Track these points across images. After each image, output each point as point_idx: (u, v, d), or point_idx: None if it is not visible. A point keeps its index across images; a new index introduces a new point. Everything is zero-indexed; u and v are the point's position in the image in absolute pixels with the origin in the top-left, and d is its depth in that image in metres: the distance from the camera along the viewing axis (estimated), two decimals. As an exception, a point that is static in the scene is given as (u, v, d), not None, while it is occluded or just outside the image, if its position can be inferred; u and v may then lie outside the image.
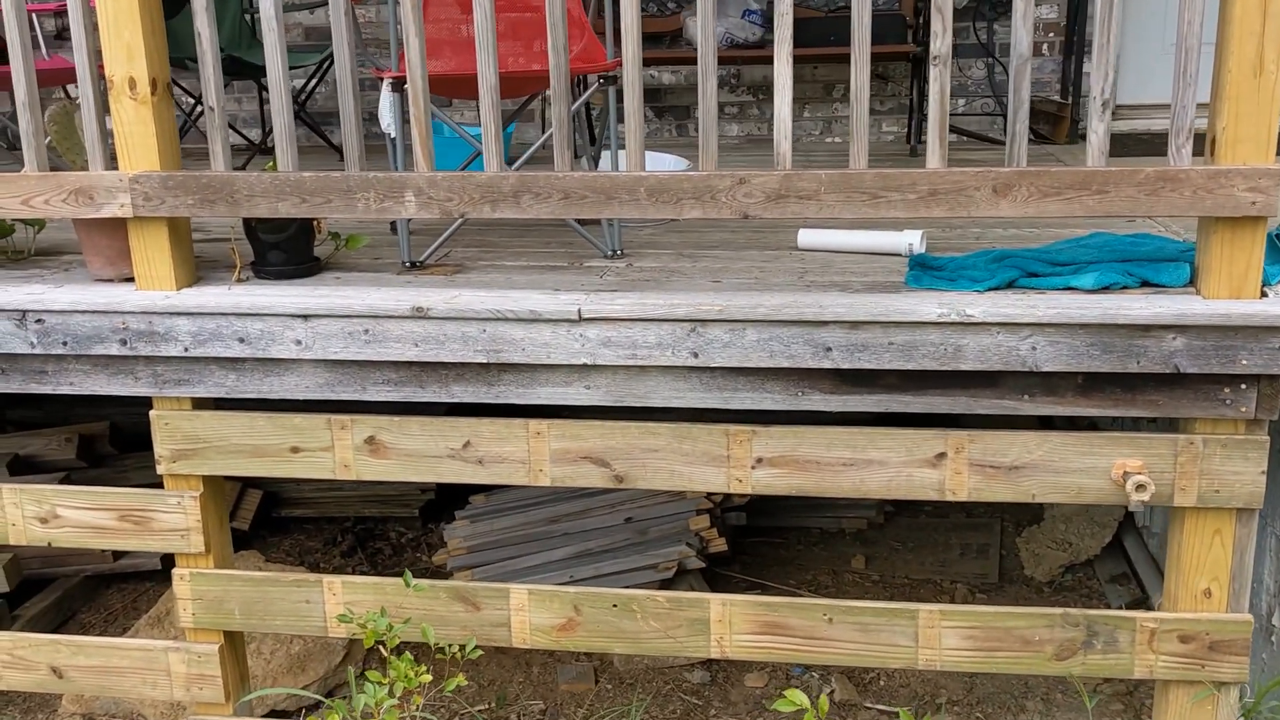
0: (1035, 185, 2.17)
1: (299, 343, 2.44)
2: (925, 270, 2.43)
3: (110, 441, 4.33)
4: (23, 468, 4.12)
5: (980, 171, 2.18)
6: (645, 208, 2.30)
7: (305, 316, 2.42)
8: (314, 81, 4.74)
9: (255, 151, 4.62)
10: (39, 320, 2.51)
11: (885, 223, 2.88)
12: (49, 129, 2.57)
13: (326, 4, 4.65)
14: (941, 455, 2.35)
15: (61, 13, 4.12)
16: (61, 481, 3.93)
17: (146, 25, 2.36)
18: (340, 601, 2.64)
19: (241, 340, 2.45)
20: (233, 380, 2.53)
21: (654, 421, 2.46)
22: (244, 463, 2.60)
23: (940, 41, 2.19)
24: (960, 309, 2.22)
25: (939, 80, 2.20)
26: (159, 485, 2.77)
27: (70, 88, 4.33)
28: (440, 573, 3.65)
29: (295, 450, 2.57)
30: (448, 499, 4.20)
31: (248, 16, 4.67)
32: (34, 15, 4.05)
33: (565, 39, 2.29)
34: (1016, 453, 2.33)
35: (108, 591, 4.07)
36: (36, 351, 2.54)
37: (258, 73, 4.45)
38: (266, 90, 4.91)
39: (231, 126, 4.20)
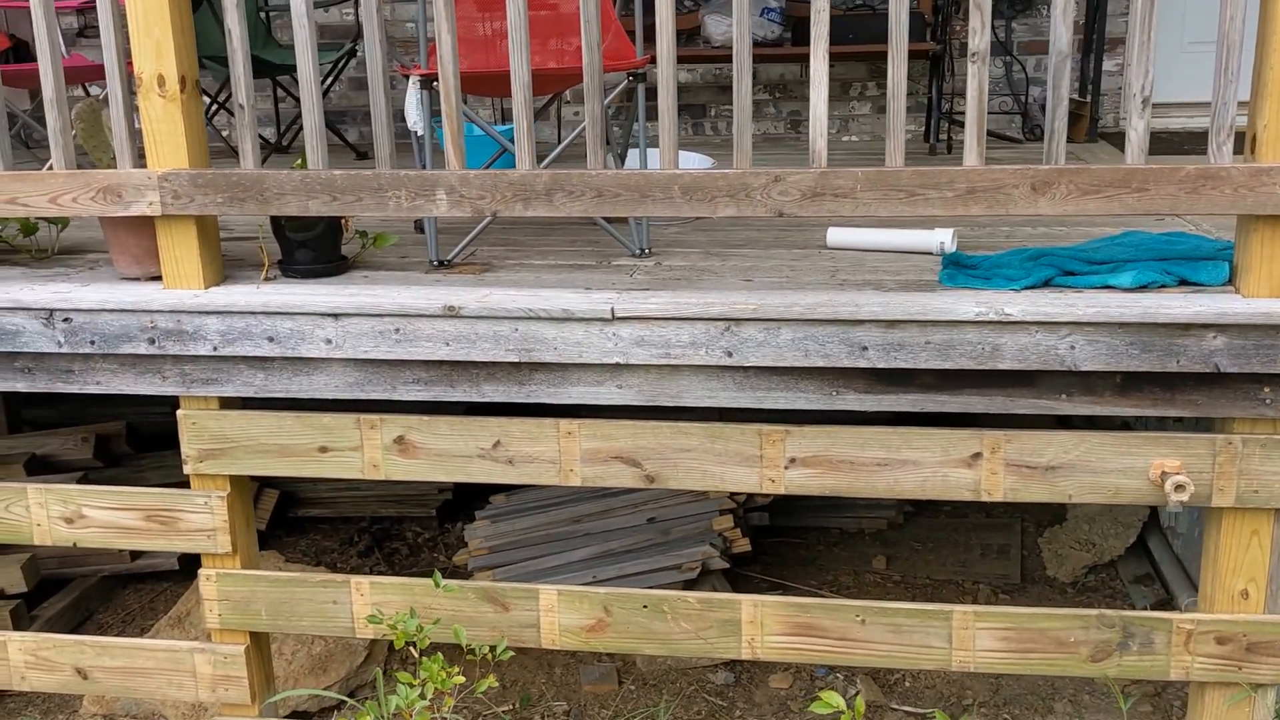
0: (1074, 183, 2.15)
1: (329, 342, 2.42)
2: (959, 269, 2.41)
3: (126, 441, 4.31)
4: (40, 467, 4.10)
5: (1019, 169, 2.16)
6: (679, 206, 2.28)
7: (335, 315, 2.40)
8: (329, 80, 4.72)
9: (272, 150, 4.60)
10: (66, 319, 2.50)
11: (914, 221, 2.86)
12: (75, 126, 2.55)
13: (343, 1, 4.64)
14: (977, 455, 2.33)
15: (84, 10, 4.10)
16: (79, 481, 3.91)
17: (176, 23, 2.35)
18: (368, 602, 2.62)
19: (271, 339, 2.44)
20: (261, 379, 2.51)
21: (680, 421, 2.45)
22: (272, 462, 2.58)
23: (979, 39, 2.17)
24: (998, 308, 2.20)
25: (977, 78, 2.19)
26: (176, 485, 2.76)
27: (90, 86, 4.32)
28: (460, 573, 3.64)
29: (324, 450, 2.55)
30: (465, 499, 4.19)
31: (263, 14, 4.65)
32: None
33: (600, 36, 2.27)
34: (1053, 453, 2.31)
35: (125, 592, 4.05)
36: (64, 350, 2.52)
37: (273, 71, 4.43)
38: (282, 89, 4.90)
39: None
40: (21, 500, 2.70)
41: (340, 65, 4.64)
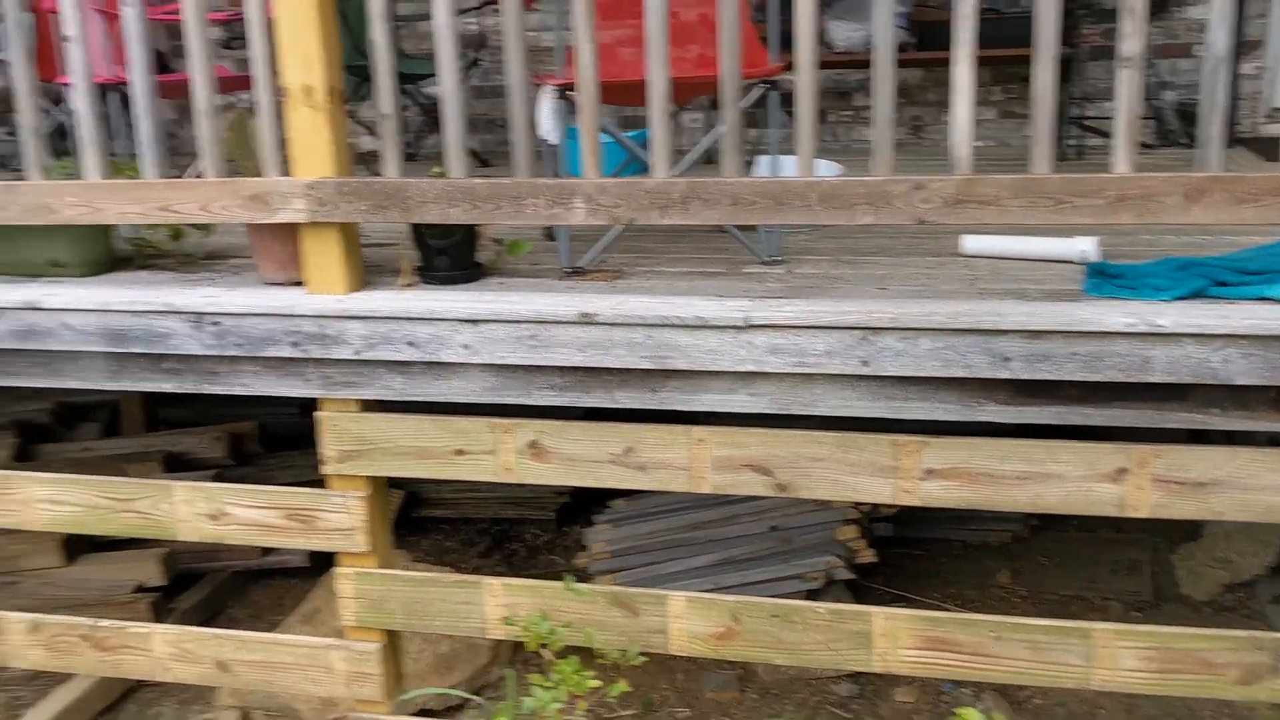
0: (1230, 191, 2.08)
1: (467, 347, 2.46)
2: (1105, 278, 2.35)
3: (258, 441, 4.45)
4: (176, 465, 4.25)
5: (1171, 177, 2.10)
6: (817, 214, 2.26)
7: (474, 321, 2.44)
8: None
9: (411, 159, 4.69)
10: (215, 323, 2.58)
11: (1055, 229, 2.80)
12: (226, 136, 2.64)
13: (478, 10, 4.72)
14: (1123, 470, 2.27)
15: (229, 21, 4.24)
16: (214, 479, 4.04)
17: (322, 36, 2.41)
18: (500, 603, 2.66)
19: (411, 344, 2.49)
20: (401, 383, 2.56)
21: (809, 429, 2.43)
22: (409, 464, 2.64)
23: (1131, 43, 2.11)
24: (1149, 319, 2.14)
25: (1129, 83, 2.13)
26: (304, 484, 2.83)
27: (228, 95, 4.46)
28: (580, 576, 3.66)
29: (459, 453, 2.59)
30: (583, 502, 4.22)
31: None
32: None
33: (738, 44, 2.27)
34: (1203, 469, 2.24)
35: (254, 587, 4.18)
36: (211, 353, 2.61)
37: (399, 80, 4.52)
38: (406, 96, 5.01)
39: (370, 131, 4.29)
40: (169, 498, 2.80)
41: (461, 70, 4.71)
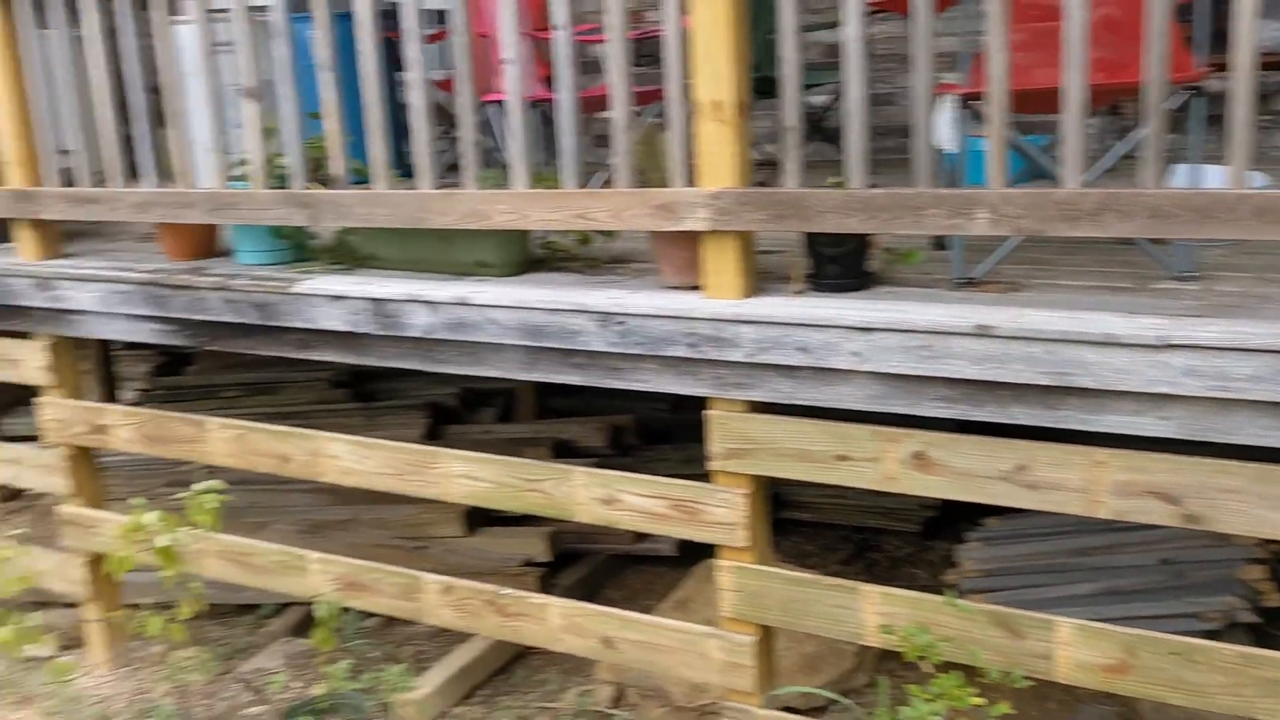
0: None
1: (856, 355, 2.50)
2: None
3: (634, 434, 4.70)
4: (562, 451, 4.58)
5: None
6: (1249, 228, 2.11)
7: (865, 329, 2.47)
8: (833, 98, 4.85)
9: (773, 167, 4.81)
10: (620, 322, 2.77)
11: None
12: (636, 149, 2.82)
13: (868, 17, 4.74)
14: None
15: (635, 40, 4.52)
16: (595, 465, 4.31)
17: (734, 53, 2.53)
18: (876, 611, 2.67)
19: (801, 349, 2.56)
20: (789, 387, 2.64)
21: (1219, 458, 2.27)
22: (790, 466, 2.71)
23: None
24: None
25: None
26: (678, 477, 2.96)
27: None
28: (946, 591, 3.60)
29: (841, 458, 2.63)
30: (950, 517, 4.14)
31: (773, 37, 4.86)
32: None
33: (1166, 49, 2.16)
34: None
35: (626, 572, 4.43)
36: (615, 350, 2.80)
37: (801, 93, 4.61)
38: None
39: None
40: (569, 481, 3.03)
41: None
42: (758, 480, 2.80)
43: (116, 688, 3.91)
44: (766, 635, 2.90)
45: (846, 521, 4.43)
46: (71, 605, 4.17)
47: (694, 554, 4.05)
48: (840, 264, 2.71)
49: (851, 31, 2.43)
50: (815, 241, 2.71)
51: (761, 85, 4.57)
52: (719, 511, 2.82)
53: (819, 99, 4.77)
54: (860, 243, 2.69)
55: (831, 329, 2.52)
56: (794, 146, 2.56)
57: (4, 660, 4.11)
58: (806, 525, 4.55)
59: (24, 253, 3.70)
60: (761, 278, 2.87)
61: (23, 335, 3.82)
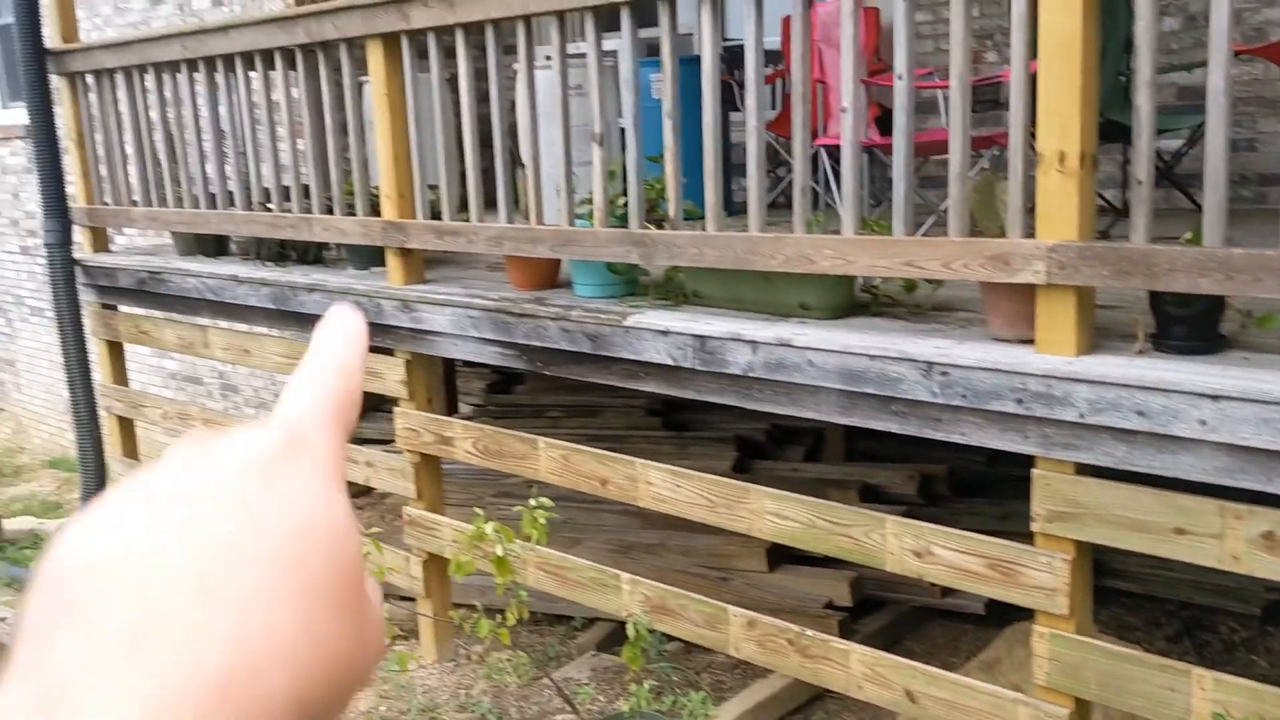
0: None
1: (1203, 423, 2.35)
2: None
3: (946, 484, 4.59)
4: (869, 495, 4.55)
5: None
6: None
7: (1214, 397, 2.32)
8: (1187, 144, 4.56)
9: (1116, 215, 4.58)
10: (944, 373, 2.73)
11: None
12: (971, 198, 2.79)
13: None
14: None
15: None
16: (904, 514, 4.25)
17: (1083, 104, 2.45)
18: (1209, 698, 2.49)
19: (1140, 413, 2.43)
20: (1123, 451, 2.51)
21: None
22: (1120, 535, 2.58)
23: None
24: None
25: None
26: (989, 533, 2.87)
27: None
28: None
29: (1179, 532, 2.48)
30: (1298, 604, 3.78)
31: (1122, 77, 4.64)
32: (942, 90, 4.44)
33: None
34: None
35: (930, 625, 4.33)
36: (936, 400, 2.77)
37: (1125, 135, 4.39)
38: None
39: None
40: (880, 529, 3.01)
41: (1198, 128, 4.46)
42: (1082, 546, 2.68)
43: (441, 680, 4.24)
44: (1081, 709, 2.76)
45: (1174, 596, 4.13)
46: (407, 599, 4.56)
47: (1002, 613, 3.91)
48: (1188, 324, 2.55)
49: (1218, 81, 2.30)
50: (1161, 299, 2.57)
51: (1107, 129, 4.39)
52: (1039, 575, 2.72)
53: (1170, 143, 4.51)
54: (1212, 303, 2.53)
55: (1176, 394, 2.38)
56: (1143, 200, 2.45)
57: (348, 642, 4.55)
58: (1128, 596, 4.27)
59: (392, 277, 4.12)
60: (1099, 334, 2.75)
61: (385, 351, 4.24)
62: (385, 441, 5.43)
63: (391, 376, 4.22)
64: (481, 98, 3.76)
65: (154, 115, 5.07)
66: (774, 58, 5.77)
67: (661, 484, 3.49)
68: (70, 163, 5.48)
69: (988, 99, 4.50)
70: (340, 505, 0.33)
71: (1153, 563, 4.11)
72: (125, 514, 0.31)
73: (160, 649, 0.28)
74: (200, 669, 0.28)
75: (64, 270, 5.35)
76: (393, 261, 4.09)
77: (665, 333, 3.26)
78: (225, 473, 0.32)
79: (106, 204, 5.43)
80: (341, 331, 0.39)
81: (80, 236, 5.60)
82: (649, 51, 5.48)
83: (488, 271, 4.30)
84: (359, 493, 6.02)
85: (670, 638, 3.87)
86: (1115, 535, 2.58)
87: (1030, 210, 2.59)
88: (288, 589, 0.30)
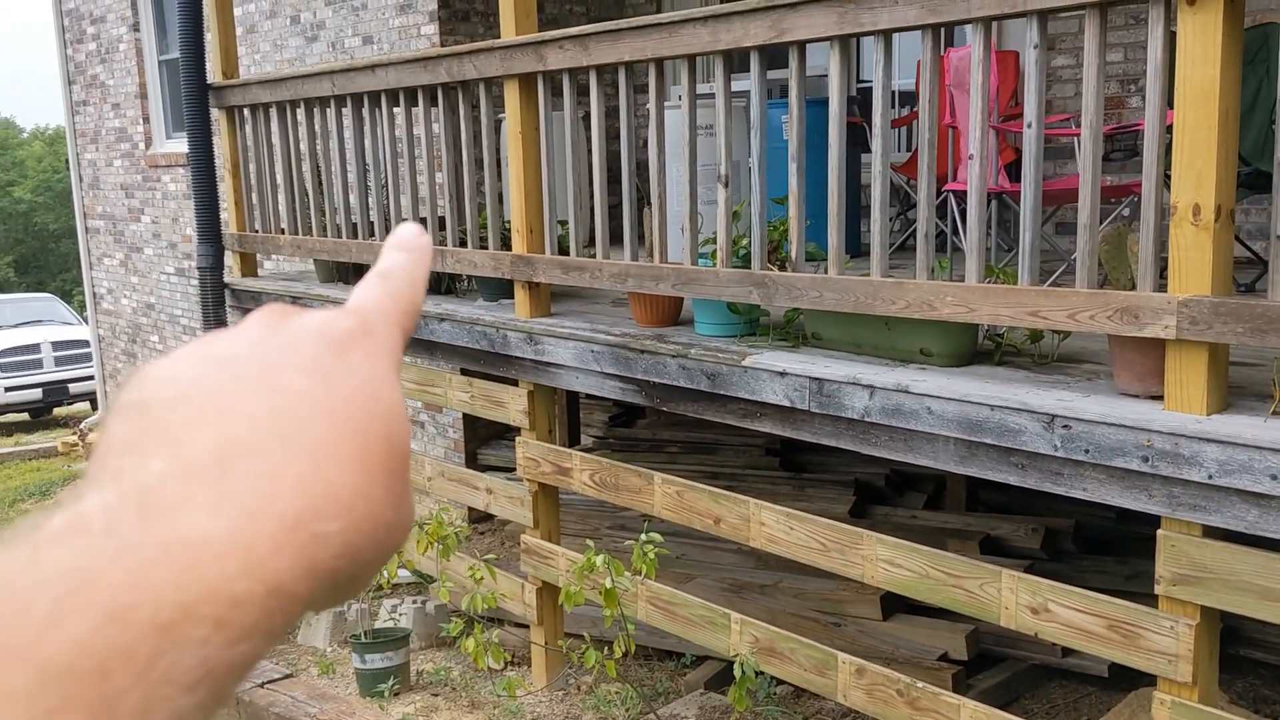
0: None
1: (1342, 490, 2.24)
2: None
3: (1072, 539, 4.46)
4: (990, 548, 4.44)
5: None
6: None
7: (1355, 464, 2.22)
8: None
9: (1264, 268, 4.40)
10: (1066, 426, 2.67)
11: None
12: (1100, 249, 2.73)
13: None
14: None
15: (1108, 135, 4.38)
16: (1027, 570, 4.14)
17: (1220, 156, 2.38)
18: (1344, 783, 2.36)
19: (1273, 477, 2.34)
20: (1254, 516, 2.41)
21: None
22: (1249, 602, 2.47)
23: None
24: None
25: None
26: (1114, 593, 2.77)
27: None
28: None
29: (1314, 603, 2.36)
30: None
31: (1275, 126, 4.48)
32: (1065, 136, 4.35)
33: None
34: None
35: (1049, 684, 4.19)
36: (1058, 454, 2.71)
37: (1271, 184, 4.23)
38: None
39: (1237, 239, 4.06)
40: (995, 582, 2.95)
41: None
42: (1209, 612, 2.58)
43: (550, 709, 4.29)
44: (1207, 784, 2.64)
45: (1316, 671, 3.91)
46: (521, 626, 4.64)
47: (1126, 677, 3.77)
48: (1330, 387, 2.45)
49: (1364, 136, 2.21)
50: (1301, 360, 2.47)
51: (1256, 179, 4.24)
52: (1161, 640, 2.62)
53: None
54: (1357, 366, 2.42)
55: (1313, 458, 2.28)
56: (1282, 257, 2.36)
57: (462, 667, 4.64)
58: (1266, 667, 4.07)
59: (519, 310, 4.22)
60: (1232, 393, 2.66)
61: (509, 381, 4.34)
62: (506, 469, 5.54)
63: (514, 406, 4.32)
64: (612, 136, 3.85)
65: (303, 147, 5.32)
66: (909, 99, 5.74)
67: (774, 525, 3.49)
68: (225, 191, 5.79)
69: (1128, 146, 4.39)
70: (398, 392, 0.36)
71: (1292, 634, 3.92)
72: (211, 357, 0.34)
73: (243, 478, 0.31)
74: (276, 502, 0.31)
75: (214, 292, 5.64)
76: (520, 294, 4.20)
77: (783, 374, 3.27)
78: (303, 338, 0.35)
79: (256, 231, 5.71)
80: (414, 247, 0.42)
81: (231, 260, 5.89)
82: (780, 92, 5.52)
83: (611, 307, 4.37)
84: (479, 518, 6.16)
85: (779, 681, 3.84)
86: (1244, 603, 2.48)
87: (1164, 263, 2.53)
88: (352, 450, 0.33)
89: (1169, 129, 2.51)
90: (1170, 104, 2.48)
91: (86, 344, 12.14)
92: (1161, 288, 2.53)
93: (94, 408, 12.16)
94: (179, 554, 0.30)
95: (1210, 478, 2.44)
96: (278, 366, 0.34)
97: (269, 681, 4.13)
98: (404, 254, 0.41)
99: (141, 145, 9.72)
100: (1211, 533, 2.55)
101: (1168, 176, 2.49)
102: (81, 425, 11.38)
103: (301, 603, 0.31)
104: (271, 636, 0.31)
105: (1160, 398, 2.59)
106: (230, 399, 0.33)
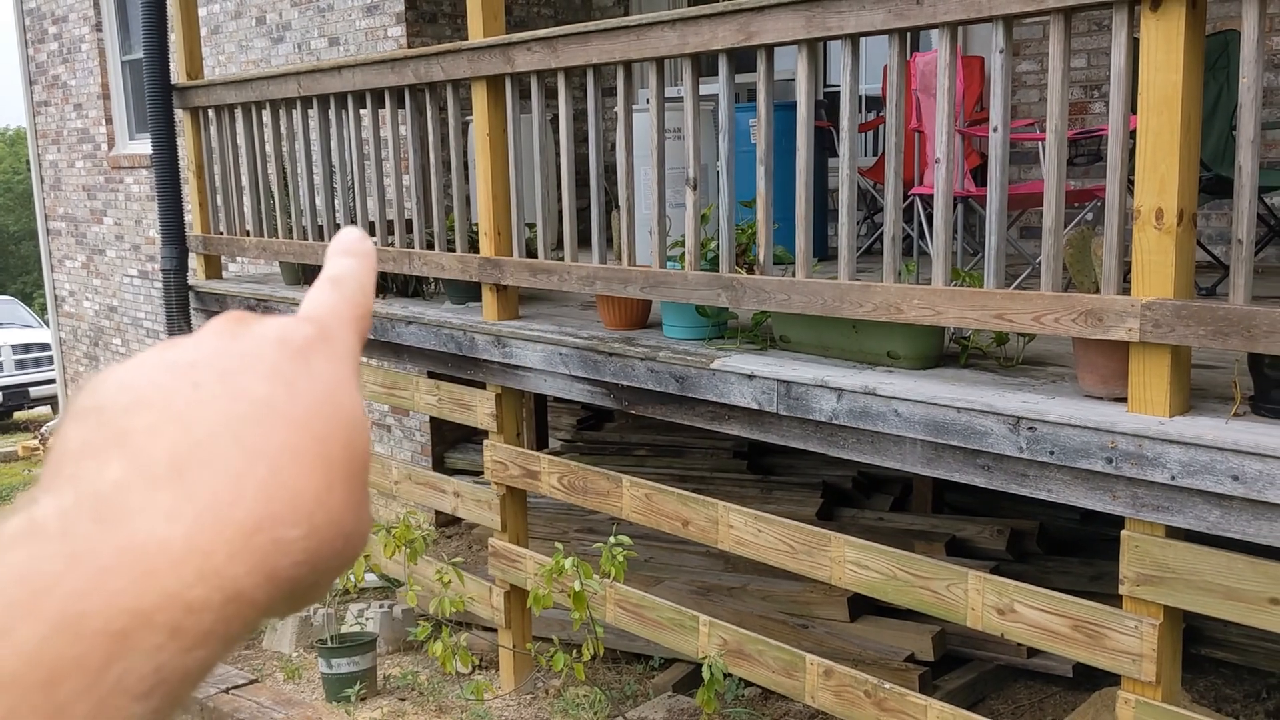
0: None
1: (1302, 491, 2.27)
2: None
3: (1036, 541, 4.49)
4: (956, 549, 4.47)
5: None
6: None
7: (1314, 464, 2.25)
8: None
9: (1225, 273, 4.46)
10: (1031, 428, 2.69)
11: None
12: (1065, 252, 2.75)
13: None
14: None
15: (1072, 140, 4.42)
16: (992, 572, 4.17)
17: (1183, 161, 2.41)
18: (1304, 780, 2.39)
19: (1235, 478, 2.36)
20: (1216, 516, 2.44)
21: None
22: (1212, 602, 2.50)
23: None
24: None
25: None
26: (1078, 594, 2.80)
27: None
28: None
29: (1275, 602, 2.40)
30: None
31: (1235, 133, 4.54)
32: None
33: None
34: None
35: (1015, 684, 4.22)
36: (1023, 456, 2.73)
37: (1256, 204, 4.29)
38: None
39: (1199, 243, 4.11)
40: (961, 583, 2.97)
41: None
42: (1172, 612, 2.61)
43: (518, 712, 4.27)
44: (1169, 782, 2.67)
45: (1276, 670, 3.96)
46: (489, 630, 4.62)
47: (1090, 677, 3.81)
48: (1289, 389, 2.48)
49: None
50: (1261, 361, 2.50)
51: (1218, 185, 4.30)
52: (1125, 639, 2.65)
53: (1276, 199, 4.39)
54: (1315, 368, 2.45)
55: (1274, 459, 2.31)
56: (1243, 260, 2.39)
57: (429, 671, 4.61)
58: (1228, 666, 4.12)
59: (487, 313, 4.21)
60: (1194, 395, 2.69)
61: (477, 384, 4.33)
62: (474, 473, 5.52)
63: (482, 409, 4.30)
64: (580, 139, 3.85)
65: (269, 149, 5.28)
66: (876, 104, 5.77)
67: (743, 527, 3.49)
68: (189, 193, 5.74)
69: (1091, 151, 4.43)
70: (358, 398, 0.36)
71: (1254, 633, 3.96)
72: (169, 363, 0.34)
73: (202, 483, 0.31)
74: (235, 508, 0.31)
75: (178, 295, 5.59)
76: (488, 297, 4.18)
77: (751, 376, 3.27)
78: (263, 345, 0.35)
79: (221, 233, 5.66)
80: (361, 252, 0.42)
81: (195, 263, 5.84)
82: (748, 96, 5.53)
83: (580, 310, 4.37)
84: (446, 521, 6.13)
85: (747, 683, 3.85)
86: (1206, 602, 2.51)
87: (1127, 266, 2.55)
88: (313, 457, 0.33)
89: (1132, 134, 2.54)
90: (1133, 109, 2.51)
91: (48, 347, 11.99)
92: (1125, 291, 2.56)
93: (55, 412, 12.01)
94: (135, 560, 0.29)
95: (1173, 479, 2.46)
96: (238, 373, 0.34)
97: (233, 687, 4.09)
98: (352, 259, 0.41)
99: (104, 146, 9.62)
100: (1174, 533, 2.58)
101: (1131, 181, 2.52)
102: (43, 429, 11.24)
103: (259, 609, 0.31)
104: (228, 643, 0.31)
105: (1124, 400, 2.62)
106: (189, 405, 0.32)
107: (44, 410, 13.10)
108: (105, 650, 0.28)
